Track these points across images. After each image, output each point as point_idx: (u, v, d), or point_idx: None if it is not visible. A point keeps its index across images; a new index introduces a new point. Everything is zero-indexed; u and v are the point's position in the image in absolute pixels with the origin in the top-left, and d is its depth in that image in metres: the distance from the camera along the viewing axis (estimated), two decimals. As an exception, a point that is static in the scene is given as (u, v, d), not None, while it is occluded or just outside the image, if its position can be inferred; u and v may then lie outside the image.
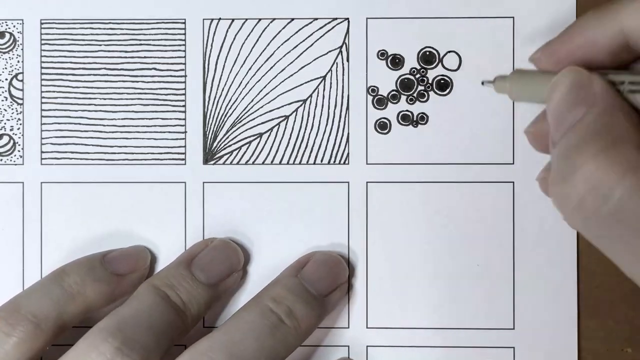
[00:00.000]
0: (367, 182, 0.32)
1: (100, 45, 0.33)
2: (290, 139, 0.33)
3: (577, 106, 0.23)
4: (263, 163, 0.33)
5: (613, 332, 0.32)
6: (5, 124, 0.33)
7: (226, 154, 0.33)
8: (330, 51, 0.33)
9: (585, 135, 0.22)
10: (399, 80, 0.32)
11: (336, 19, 0.33)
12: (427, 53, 0.32)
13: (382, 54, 0.32)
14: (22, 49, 0.33)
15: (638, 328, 0.32)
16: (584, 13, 0.32)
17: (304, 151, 0.33)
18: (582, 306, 0.32)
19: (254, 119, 0.33)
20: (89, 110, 0.33)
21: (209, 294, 0.30)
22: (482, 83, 0.29)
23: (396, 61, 0.32)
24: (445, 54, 0.32)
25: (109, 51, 0.33)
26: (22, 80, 0.33)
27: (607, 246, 0.22)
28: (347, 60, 0.33)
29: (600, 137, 0.22)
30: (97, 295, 0.30)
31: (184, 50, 0.33)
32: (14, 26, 0.33)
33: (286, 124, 0.33)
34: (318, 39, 0.33)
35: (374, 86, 0.32)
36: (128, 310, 0.29)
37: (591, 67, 0.24)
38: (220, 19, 0.33)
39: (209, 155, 0.33)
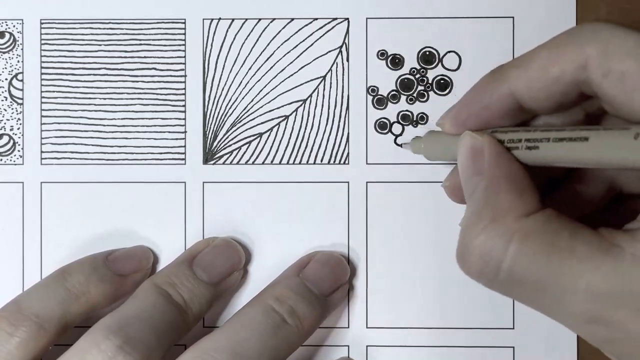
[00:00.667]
0: (367, 182, 0.32)
1: (100, 45, 0.33)
2: (290, 138, 0.33)
3: (473, 175, 0.25)
4: (263, 163, 0.33)
5: (612, 332, 0.32)
6: (5, 123, 0.33)
7: (226, 153, 0.33)
8: (330, 51, 0.33)
9: (475, 209, 0.24)
10: (398, 80, 0.32)
11: (336, 19, 0.33)
12: (427, 53, 0.32)
13: (382, 54, 0.32)
14: (22, 49, 0.33)
15: (637, 328, 0.32)
16: (583, 13, 0.32)
17: (304, 151, 0.33)
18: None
19: (254, 118, 0.33)
20: (89, 110, 0.33)
21: (210, 292, 0.30)
22: (401, 145, 0.32)
23: (396, 61, 0.32)
24: (445, 54, 0.32)
25: (109, 51, 0.33)
26: (22, 80, 0.33)
27: (519, 301, 0.24)
28: (347, 60, 0.33)
29: (486, 211, 0.23)
30: (101, 295, 0.30)
31: (184, 50, 0.33)
32: (14, 26, 0.33)
33: (286, 124, 0.33)
34: (318, 39, 0.33)
35: (374, 86, 0.32)
36: (130, 308, 0.29)
37: (492, 128, 0.26)
38: (220, 18, 0.33)
39: (209, 155, 0.33)
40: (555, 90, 0.24)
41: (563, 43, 0.24)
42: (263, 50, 0.33)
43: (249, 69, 0.33)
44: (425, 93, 0.32)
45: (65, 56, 0.33)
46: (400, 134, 0.32)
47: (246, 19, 0.33)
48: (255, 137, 0.33)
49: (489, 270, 0.23)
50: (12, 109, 0.33)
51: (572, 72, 0.23)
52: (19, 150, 0.33)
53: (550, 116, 0.26)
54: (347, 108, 0.33)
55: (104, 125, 0.33)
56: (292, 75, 0.33)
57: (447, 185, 0.28)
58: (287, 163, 0.33)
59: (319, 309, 0.30)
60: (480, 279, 0.24)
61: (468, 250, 0.24)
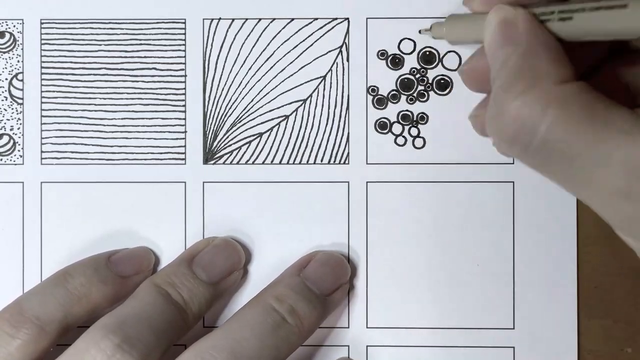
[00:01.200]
0: (367, 182, 0.32)
1: (100, 45, 0.33)
2: (290, 138, 0.33)
3: (505, 45, 0.24)
4: (263, 163, 0.33)
5: (613, 332, 0.32)
6: (5, 123, 0.33)
7: (226, 153, 0.33)
8: (330, 51, 0.33)
9: (510, 75, 0.23)
10: (399, 80, 0.32)
11: (336, 18, 0.33)
12: (427, 53, 0.32)
13: (382, 54, 0.32)
14: (22, 49, 0.33)
15: (638, 328, 0.32)
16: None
17: (304, 151, 0.33)
18: (582, 306, 0.32)
19: (254, 118, 0.33)
20: (89, 110, 0.33)
21: (210, 292, 0.30)
22: (420, 32, 0.31)
23: (396, 61, 0.32)
24: (445, 53, 0.32)
25: (109, 51, 0.33)
26: (22, 80, 0.33)
27: (545, 173, 0.24)
28: (347, 60, 0.33)
29: (523, 76, 0.23)
30: (102, 297, 0.30)
31: (184, 50, 0.33)
32: (14, 26, 0.33)
33: (286, 124, 0.33)
34: (318, 39, 0.33)
35: (374, 86, 0.33)
36: (129, 308, 0.29)
37: (523, 4, 0.25)
38: (220, 18, 0.33)
39: (209, 155, 0.33)
40: None
41: None
42: (263, 50, 0.33)
43: (249, 68, 0.33)
44: (426, 93, 0.32)
45: (65, 56, 0.33)
46: (400, 134, 0.32)
47: (246, 19, 0.33)
48: (255, 137, 0.33)
49: (525, 135, 0.23)
50: (12, 108, 0.33)
51: None
52: (19, 150, 0.33)
53: None
54: (347, 108, 0.33)
55: (104, 125, 0.33)
56: (292, 75, 0.33)
57: (465, 69, 0.28)
58: (287, 163, 0.33)
59: (320, 309, 0.30)
60: (512, 145, 0.23)
61: (503, 114, 0.23)
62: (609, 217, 0.23)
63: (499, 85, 0.24)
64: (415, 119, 0.32)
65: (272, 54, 0.33)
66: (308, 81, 0.33)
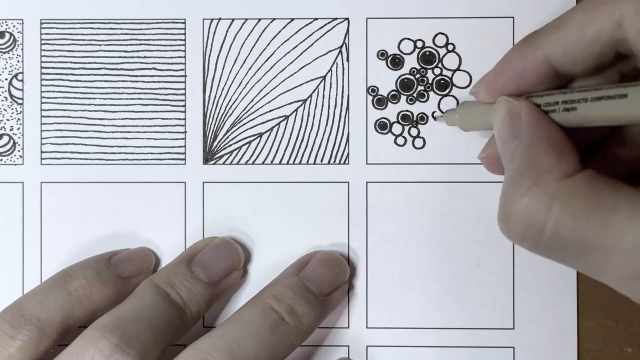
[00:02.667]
0: (367, 182, 0.32)
1: (100, 45, 0.33)
2: (290, 138, 0.33)
3: (511, 139, 0.25)
4: (263, 163, 0.33)
5: (613, 332, 0.32)
6: (5, 124, 0.33)
7: (226, 153, 0.33)
8: (330, 51, 0.33)
9: (515, 173, 0.24)
10: (399, 80, 0.32)
11: (336, 19, 0.33)
12: (427, 53, 0.32)
13: (382, 54, 0.32)
14: (22, 49, 0.33)
15: (638, 328, 0.32)
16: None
17: (304, 151, 0.33)
18: (582, 306, 0.32)
19: (254, 118, 0.33)
20: (89, 110, 0.33)
21: (209, 292, 0.30)
22: (434, 119, 0.32)
23: (396, 61, 0.32)
24: (445, 54, 0.32)
25: (108, 51, 0.33)
26: (22, 80, 0.33)
27: (563, 263, 0.24)
28: (347, 60, 0.33)
29: (528, 173, 0.23)
30: (103, 298, 0.30)
31: (184, 50, 0.33)
32: (14, 26, 0.33)
33: (286, 124, 0.33)
34: (318, 39, 0.33)
35: (374, 86, 0.32)
36: (127, 307, 0.29)
37: (528, 94, 0.26)
38: (220, 19, 0.33)
39: (209, 155, 0.33)
40: (592, 52, 0.24)
41: (598, 3, 0.23)
42: (263, 51, 0.33)
43: (249, 69, 0.33)
44: (426, 93, 0.32)
45: (65, 56, 0.33)
46: (400, 134, 0.32)
47: (246, 19, 0.33)
48: (255, 137, 0.33)
49: (533, 232, 0.23)
50: (12, 109, 0.33)
51: (609, 31, 0.23)
52: (19, 151, 0.33)
53: (586, 79, 0.26)
54: (347, 108, 0.33)
55: (104, 125, 0.33)
56: (292, 75, 0.33)
57: (484, 156, 0.29)
58: (287, 163, 0.33)
59: (318, 308, 0.30)
60: (523, 242, 0.24)
61: (511, 214, 0.23)
62: (632, 297, 0.23)
63: (506, 181, 0.24)
64: (415, 119, 0.32)
65: (272, 54, 0.33)
66: (308, 81, 0.33)
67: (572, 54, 0.24)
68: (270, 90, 0.33)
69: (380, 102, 0.33)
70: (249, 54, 0.33)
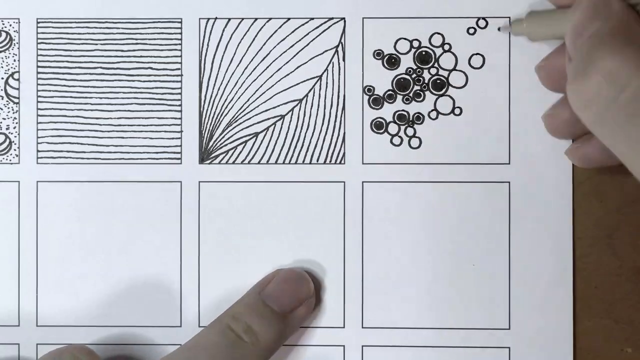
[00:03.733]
0: (362, 182, 0.32)
1: (96, 44, 0.33)
2: (286, 138, 0.33)
3: (595, 20, 0.25)
4: (259, 162, 0.33)
5: (613, 332, 0.32)
6: (1, 122, 0.33)
7: (222, 153, 0.33)
8: (326, 51, 0.33)
9: (603, 36, 0.24)
10: (395, 80, 0.32)
11: (332, 18, 0.33)
12: (423, 53, 0.32)
13: (378, 54, 0.32)
14: (19, 48, 0.33)
15: (638, 328, 0.32)
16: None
17: (300, 151, 0.33)
18: (581, 306, 0.32)
19: (249, 118, 0.33)
20: (85, 110, 0.33)
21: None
22: (499, 29, 0.31)
23: (392, 61, 0.32)
24: (441, 54, 0.32)
25: (105, 50, 0.33)
26: (18, 79, 0.33)
27: (618, 143, 0.23)
28: (343, 60, 0.33)
29: (617, 37, 0.23)
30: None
31: (180, 50, 0.33)
32: (10, 25, 0.33)
33: (282, 124, 0.33)
34: (314, 39, 0.33)
35: (370, 86, 0.32)
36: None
37: None
38: (216, 18, 0.33)
39: (205, 155, 0.33)
40: None
41: None
42: (259, 50, 0.33)
43: (245, 68, 0.33)
44: (422, 93, 0.32)
45: (61, 55, 0.33)
46: (396, 134, 0.32)
47: (242, 19, 0.33)
48: (251, 136, 0.33)
49: (610, 88, 0.23)
50: (9, 108, 0.33)
51: None
52: (15, 150, 0.33)
53: None
54: (343, 108, 0.33)
55: (100, 125, 0.33)
56: (288, 74, 0.33)
57: (544, 65, 0.28)
58: (283, 163, 0.33)
59: (277, 325, 0.30)
60: (593, 103, 0.23)
61: (590, 70, 0.23)
62: None
63: (586, 47, 0.24)
64: (411, 118, 0.32)
65: (268, 54, 0.33)
66: (304, 81, 0.33)
67: None
68: (266, 90, 0.33)
69: (377, 101, 0.32)
70: (245, 53, 0.33)
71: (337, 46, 0.33)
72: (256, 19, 0.33)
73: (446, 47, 0.32)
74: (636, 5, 0.25)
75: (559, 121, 0.29)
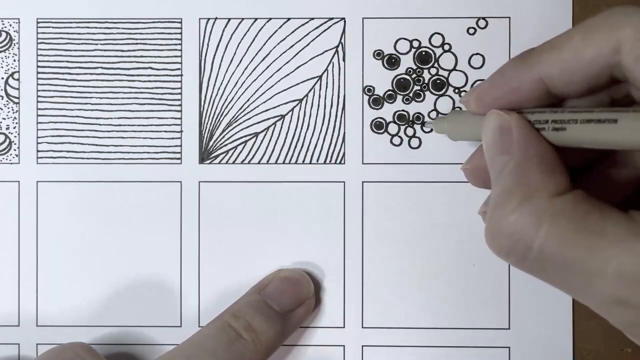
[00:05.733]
0: (362, 182, 0.32)
1: (96, 44, 0.33)
2: (286, 138, 0.33)
3: (501, 154, 0.25)
4: (259, 162, 0.33)
5: (613, 332, 0.32)
6: (1, 122, 0.33)
7: (222, 153, 0.33)
8: (326, 51, 0.33)
9: (504, 189, 0.24)
10: (395, 80, 0.32)
11: (332, 18, 0.33)
12: (423, 53, 0.32)
13: (378, 54, 0.32)
14: (19, 48, 0.33)
15: (637, 328, 0.32)
16: (580, 13, 0.32)
17: (300, 151, 0.33)
18: (581, 306, 0.32)
19: (250, 118, 0.33)
20: (85, 110, 0.33)
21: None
22: (423, 125, 0.32)
23: (392, 61, 0.32)
24: (441, 54, 0.32)
25: (105, 50, 0.33)
26: (18, 79, 0.33)
27: (546, 281, 0.24)
28: (343, 60, 0.33)
29: (518, 190, 0.23)
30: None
31: (180, 50, 0.33)
32: (10, 25, 0.33)
33: (282, 124, 0.33)
34: (314, 39, 0.33)
35: (370, 86, 0.32)
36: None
37: (518, 109, 0.25)
38: (216, 18, 0.33)
39: (205, 155, 0.33)
40: (587, 74, 0.24)
41: (596, 26, 0.23)
42: (259, 50, 0.33)
43: (245, 68, 0.33)
44: (422, 93, 0.32)
45: (61, 55, 0.33)
46: (396, 134, 0.32)
47: (242, 19, 0.33)
48: (251, 136, 0.33)
49: (519, 250, 0.23)
50: (9, 108, 0.33)
51: (606, 55, 0.23)
52: (15, 150, 0.33)
53: (577, 100, 0.26)
54: (343, 108, 0.33)
55: (100, 125, 0.33)
56: (288, 74, 0.33)
57: (468, 167, 0.28)
58: (283, 163, 0.33)
59: (278, 324, 0.30)
60: (509, 258, 0.24)
61: (499, 229, 0.23)
62: (611, 321, 0.23)
63: (494, 196, 0.24)
64: (411, 119, 0.32)
65: (268, 54, 0.33)
66: (304, 81, 0.33)
67: (568, 75, 0.24)
68: (267, 90, 0.33)
69: (376, 101, 0.32)
70: (245, 53, 0.33)
71: (337, 46, 0.33)
72: (256, 19, 0.33)
73: (446, 47, 0.32)
74: (544, 122, 0.25)
75: (478, 173, 0.28)
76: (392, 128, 0.32)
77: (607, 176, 0.27)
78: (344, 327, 0.32)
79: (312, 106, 0.33)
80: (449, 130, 0.29)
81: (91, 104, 0.33)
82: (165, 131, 0.33)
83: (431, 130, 0.32)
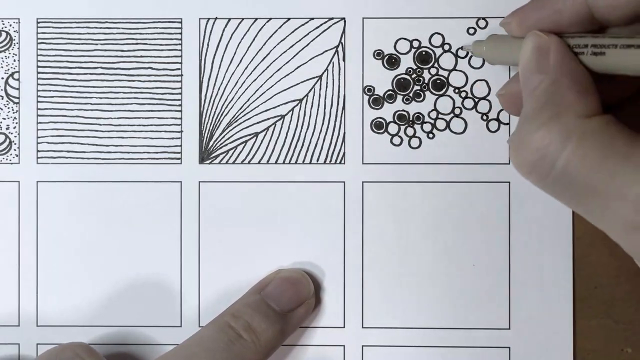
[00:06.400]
0: (362, 182, 0.32)
1: (96, 44, 0.33)
2: (286, 138, 0.33)
3: (536, 73, 0.25)
4: (259, 162, 0.33)
5: (613, 332, 0.32)
6: (1, 122, 0.33)
7: (222, 153, 0.33)
8: (326, 51, 0.33)
9: (537, 104, 0.24)
10: (395, 80, 0.32)
11: (332, 18, 0.33)
12: (423, 53, 0.32)
13: (378, 54, 0.32)
14: (19, 48, 0.33)
15: (638, 328, 0.32)
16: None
17: (300, 151, 0.33)
18: (581, 306, 0.32)
19: (250, 118, 0.33)
20: (85, 110, 0.33)
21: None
22: (461, 48, 0.31)
23: (392, 61, 0.32)
24: (441, 54, 0.32)
25: (105, 50, 0.33)
26: (18, 79, 0.33)
27: (562, 201, 0.24)
28: (344, 60, 0.33)
29: (548, 107, 0.23)
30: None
31: (180, 50, 0.33)
32: (10, 25, 0.33)
33: (282, 124, 0.33)
34: (314, 39, 0.33)
35: (370, 86, 0.32)
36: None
37: (559, 33, 0.26)
38: (216, 18, 0.33)
39: (205, 155, 0.33)
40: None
41: None
42: (259, 50, 0.33)
43: (245, 68, 0.33)
44: (422, 93, 0.32)
45: (61, 55, 0.33)
46: (396, 134, 0.32)
47: (242, 19, 0.33)
48: (251, 136, 0.33)
49: (543, 166, 0.23)
50: (9, 108, 0.33)
51: None
52: (15, 150, 0.33)
53: (620, 28, 0.26)
54: (343, 108, 0.33)
55: (100, 125, 0.33)
56: (288, 74, 0.33)
57: (503, 93, 0.28)
58: (283, 163, 0.33)
59: (278, 324, 0.30)
60: (531, 175, 0.24)
61: (524, 143, 0.24)
62: (625, 247, 0.23)
63: (524, 112, 0.24)
64: (411, 118, 0.32)
65: (268, 54, 0.33)
66: (304, 81, 0.33)
67: None
68: (267, 90, 0.33)
69: (377, 101, 0.32)
70: (245, 53, 0.33)
71: (337, 46, 0.33)
72: (256, 19, 0.33)
73: (446, 47, 0.32)
74: (583, 46, 0.25)
75: (513, 99, 0.28)
76: (392, 128, 0.32)
77: (638, 113, 0.27)
78: (344, 327, 0.32)
79: (312, 106, 0.33)
80: (487, 53, 0.29)
81: (91, 104, 0.33)
82: (165, 131, 0.33)
83: (467, 54, 0.32)
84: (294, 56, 0.33)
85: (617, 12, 0.24)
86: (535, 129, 0.23)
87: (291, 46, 0.33)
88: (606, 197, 0.22)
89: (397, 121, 0.32)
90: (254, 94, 0.33)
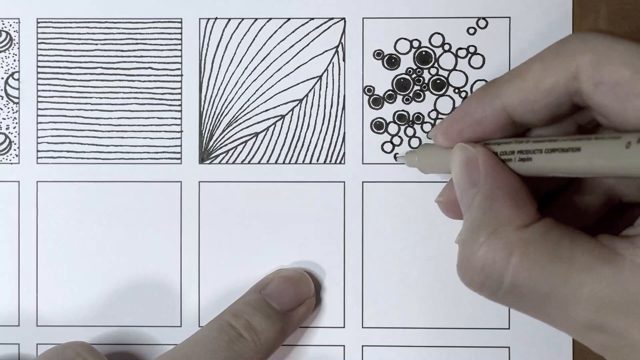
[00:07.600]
0: (362, 182, 0.32)
1: (96, 44, 0.33)
2: (286, 138, 0.33)
3: (469, 189, 0.25)
4: (259, 162, 0.33)
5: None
6: (1, 122, 0.33)
7: (222, 153, 0.33)
8: (326, 51, 0.33)
9: (473, 222, 0.24)
10: (395, 80, 0.32)
11: (332, 18, 0.33)
12: (423, 53, 0.32)
13: (378, 54, 0.32)
14: (19, 48, 0.33)
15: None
16: (580, 13, 0.32)
17: (300, 151, 0.33)
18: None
19: (250, 118, 0.33)
20: (85, 110, 0.33)
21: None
22: (395, 157, 0.32)
23: (392, 61, 0.32)
24: (441, 54, 0.32)
25: (105, 50, 0.33)
26: (18, 79, 0.33)
27: (522, 312, 0.24)
28: (344, 60, 0.33)
29: (485, 223, 0.23)
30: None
31: (180, 50, 0.33)
32: (10, 25, 0.33)
33: (282, 124, 0.33)
34: (314, 39, 0.33)
35: (370, 86, 0.32)
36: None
37: (485, 140, 0.26)
38: (216, 18, 0.33)
39: (205, 155, 0.33)
40: (548, 102, 0.24)
41: (554, 54, 0.23)
42: (259, 50, 0.33)
43: (245, 68, 0.33)
44: (422, 93, 0.32)
45: (61, 55, 0.33)
46: (396, 134, 0.32)
47: (242, 19, 0.33)
48: (251, 136, 0.33)
49: (492, 283, 0.23)
50: (9, 108, 0.33)
51: (565, 83, 0.23)
52: (15, 150, 0.33)
53: (542, 128, 0.26)
54: (343, 108, 0.33)
55: (100, 125, 0.33)
56: (288, 74, 0.33)
57: (441, 200, 0.28)
58: (283, 163, 0.33)
59: (279, 323, 0.30)
60: (482, 292, 0.24)
61: (469, 264, 0.23)
62: (590, 346, 0.23)
63: (465, 226, 0.24)
64: (411, 119, 0.32)
65: (268, 54, 0.33)
66: (304, 81, 0.33)
67: (529, 103, 0.24)
68: (267, 90, 0.33)
69: (377, 101, 0.32)
70: (245, 53, 0.33)
71: (337, 46, 0.33)
72: (256, 19, 0.33)
73: (446, 47, 0.32)
74: (510, 153, 0.25)
75: (451, 205, 0.28)
76: (392, 128, 0.32)
77: (576, 202, 0.27)
78: (344, 327, 0.32)
79: (312, 106, 0.33)
80: (420, 164, 0.29)
81: (91, 104, 0.33)
82: (165, 131, 0.33)
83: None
84: (294, 56, 0.33)
85: (537, 116, 0.24)
86: (477, 248, 0.23)
87: (291, 46, 0.33)
88: (560, 302, 0.22)
89: (397, 121, 0.32)
90: (254, 94, 0.33)
